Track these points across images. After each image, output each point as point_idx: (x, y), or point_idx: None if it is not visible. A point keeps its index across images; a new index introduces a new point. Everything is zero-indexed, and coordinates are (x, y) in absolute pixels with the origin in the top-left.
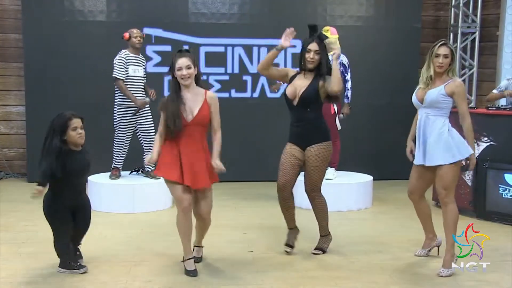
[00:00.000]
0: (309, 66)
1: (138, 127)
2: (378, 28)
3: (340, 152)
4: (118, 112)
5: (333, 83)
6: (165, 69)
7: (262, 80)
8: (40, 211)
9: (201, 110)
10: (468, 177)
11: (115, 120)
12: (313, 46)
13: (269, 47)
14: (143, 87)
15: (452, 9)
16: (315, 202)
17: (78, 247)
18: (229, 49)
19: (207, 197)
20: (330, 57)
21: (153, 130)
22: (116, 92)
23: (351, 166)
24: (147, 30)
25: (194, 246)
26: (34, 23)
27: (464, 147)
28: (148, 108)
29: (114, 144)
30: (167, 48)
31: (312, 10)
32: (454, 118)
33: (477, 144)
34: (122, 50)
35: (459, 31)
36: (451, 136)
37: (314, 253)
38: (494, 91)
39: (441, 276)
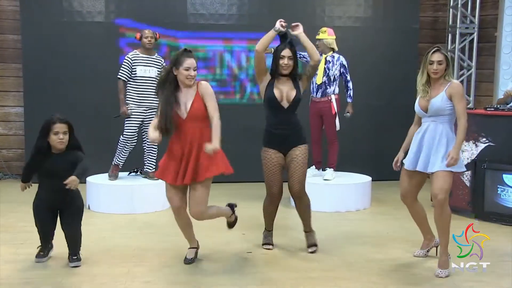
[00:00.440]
0: (284, 72)
1: (144, 128)
2: (376, 29)
3: (338, 153)
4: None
5: (311, 55)
6: None
7: None
8: None
9: (194, 103)
10: (466, 177)
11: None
12: (286, 52)
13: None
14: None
15: (451, 10)
16: (303, 200)
17: (75, 256)
18: (228, 49)
19: (197, 191)
20: (329, 58)
21: None
22: (127, 90)
23: (349, 166)
24: None
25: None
26: (32, 24)
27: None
28: (155, 111)
29: (119, 141)
30: (165, 49)
31: (310, 11)
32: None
33: (476, 145)
34: (133, 51)
35: (457, 32)
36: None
37: (312, 252)
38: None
39: (440, 277)
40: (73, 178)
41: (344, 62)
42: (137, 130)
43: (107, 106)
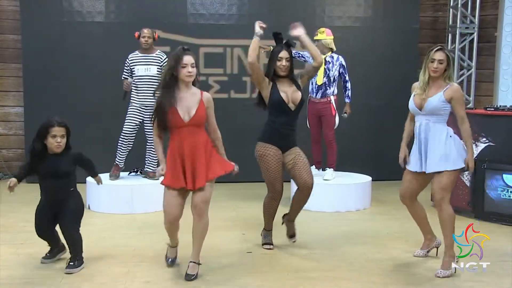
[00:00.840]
0: (283, 73)
1: (145, 128)
2: (376, 29)
3: (338, 153)
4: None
5: (315, 57)
6: None
7: None
8: None
9: (198, 110)
10: (466, 177)
11: None
12: (284, 54)
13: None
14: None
15: (451, 10)
16: (309, 193)
17: (72, 262)
18: (228, 50)
19: (204, 190)
20: (329, 58)
21: None
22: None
23: (349, 166)
24: None
25: (189, 262)
26: (32, 24)
27: (464, 154)
28: None
29: (119, 139)
30: (166, 49)
31: (310, 11)
32: (453, 120)
33: (476, 145)
34: (135, 51)
35: (457, 32)
36: (454, 142)
37: (294, 241)
38: None
39: (439, 277)
40: (98, 178)
41: (343, 62)
42: (136, 128)
43: (106, 106)
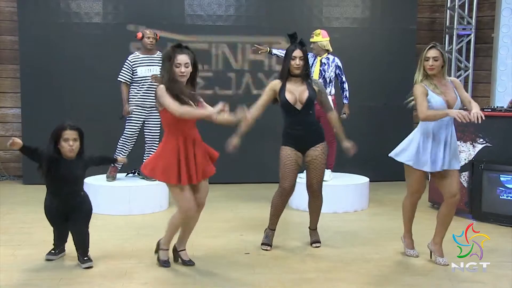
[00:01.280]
0: (297, 72)
1: (145, 128)
2: (373, 30)
3: (336, 154)
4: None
5: (330, 111)
6: None
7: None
8: (36, 214)
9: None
10: (464, 178)
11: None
12: (298, 53)
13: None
14: None
15: (448, 11)
16: (319, 199)
17: (87, 257)
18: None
19: (204, 183)
20: (325, 60)
21: (159, 132)
22: (130, 91)
23: (347, 167)
24: None
25: (182, 251)
26: (30, 25)
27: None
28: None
29: (119, 140)
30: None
31: (308, 12)
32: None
33: (473, 146)
34: (134, 53)
35: (455, 33)
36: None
37: (316, 247)
38: None
39: (440, 264)
40: (120, 159)
41: (339, 64)
42: (138, 129)
43: (104, 107)
